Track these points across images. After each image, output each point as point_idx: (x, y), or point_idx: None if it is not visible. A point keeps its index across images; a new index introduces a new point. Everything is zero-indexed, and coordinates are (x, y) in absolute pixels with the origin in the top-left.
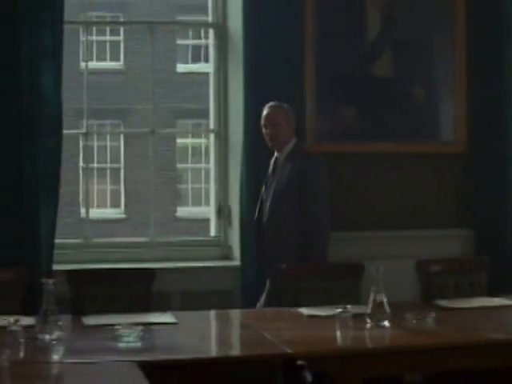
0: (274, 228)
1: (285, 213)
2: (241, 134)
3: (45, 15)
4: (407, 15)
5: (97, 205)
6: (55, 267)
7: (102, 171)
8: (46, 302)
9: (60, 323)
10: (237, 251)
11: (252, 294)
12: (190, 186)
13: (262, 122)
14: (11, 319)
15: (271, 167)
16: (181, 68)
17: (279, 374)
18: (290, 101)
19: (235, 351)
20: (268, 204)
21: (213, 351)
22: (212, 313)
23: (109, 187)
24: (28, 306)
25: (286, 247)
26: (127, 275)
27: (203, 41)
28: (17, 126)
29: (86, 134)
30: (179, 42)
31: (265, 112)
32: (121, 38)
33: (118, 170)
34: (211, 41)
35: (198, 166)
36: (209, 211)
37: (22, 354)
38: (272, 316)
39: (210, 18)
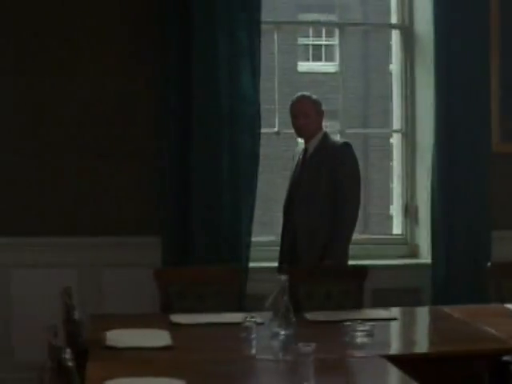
0: (305, 222)
1: (315, 207)
2: (428, 133)
3: (242, 16)
4: None
5: None
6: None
7: None
8: (281, 298)
9: (293, 319)
10: (424, 249)
11: (443, 292)
12: None
13: (292, 112)
14: (246, 315)
15: (299, 158)
16: (302, 67)
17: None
18: (476, 101)
19: (469, 345)
20: (299, 195)
21: (447, 345)
22: (425, 309)
23: None
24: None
25: (312, 244)
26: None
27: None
28: (216, 125)
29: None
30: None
31: (294, 103)
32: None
33: None
34: (394, 42)
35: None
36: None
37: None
38: (480, 312)
39: (394, 20)
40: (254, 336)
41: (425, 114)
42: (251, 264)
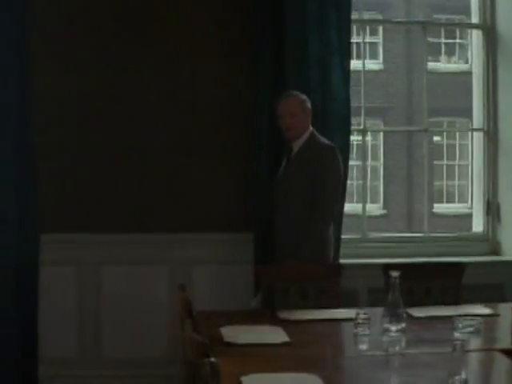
0: (286, 223)
1: (297, 206)
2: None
3: (332, 14)
4: None
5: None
6: None
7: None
8: (392, 294)
9: (404, 315)
10: (506, 246)
11: None
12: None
13: (278, 111)
14: (358, 311)
15: (286, 157)
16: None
17: None
18: None
19: None
20: (282, 194)
21: None
22: None
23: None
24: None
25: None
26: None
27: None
28: None
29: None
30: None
31: (280, 101)
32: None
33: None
34: (475, 41)
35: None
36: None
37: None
38: None
39: (475, 19)
40: (367, 332)
41: (508, 113)
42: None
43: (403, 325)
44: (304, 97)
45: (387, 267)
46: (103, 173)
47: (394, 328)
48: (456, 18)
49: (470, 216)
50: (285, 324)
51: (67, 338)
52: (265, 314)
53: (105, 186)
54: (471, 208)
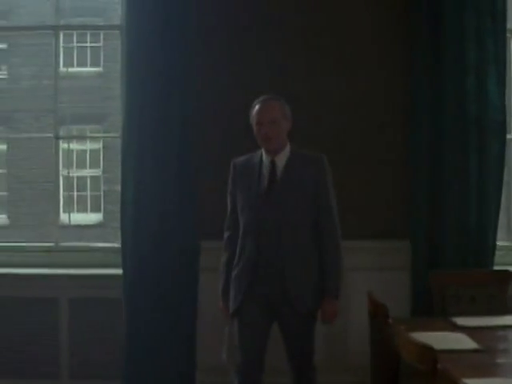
0: (294, 247)
1: (299, 229)
2: None
3: (489, 23)
4: None
5: None
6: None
7: None
8: None
9: None
10: None
11: None
12: None
13: (255, 119)
14: None
15: (266, 172)
16: None
17: None
18: None
19: None
20: (276, 219)
21: None
22: None
23: None
24: None
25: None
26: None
27: None
28: (464, 131)
29: None
30: None
31: (258, 107)
32: None
33: None
34: None
35: None
36: None
37: None
38: None
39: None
40: None
41: None
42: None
43: None
44: (283, 101)
45: None
46: None
47: None
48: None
49: None
50: (467, 331)
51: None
52: (438, 320)
53: None
54: None
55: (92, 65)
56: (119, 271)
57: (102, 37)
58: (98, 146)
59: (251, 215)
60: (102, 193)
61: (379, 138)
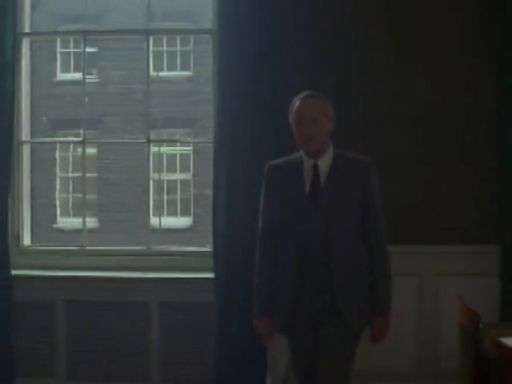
0: (340, 252)
1: (349, 234)
2: None
3: None
4: None
5: None
6: None
7: None
8: None
9: None
10: None
11: None
12: None
13: (294, 118)
14: None
15: (308, 177)
16: None
17: None
18: None
19: None
20: (324, 222)
21: None
22: None
23: None
24: None
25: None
26: None
27: None
28: None
29: None
30: None
31: (298, 105)
32: None
33: None
34: None
35: None
36: None
37: None
38: None
39: None
40: None
41: None
42: None
43: None
44: (326, 98)
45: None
46: None
47: None
48: None
49: None
50: None
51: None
52: None
53: None
54: None
55: (182, 69)
56: (210, 275)
57: (191, 41)
58: (188, 149)
59: (293, 224)
60: (192, 196)
61: (466, 139)
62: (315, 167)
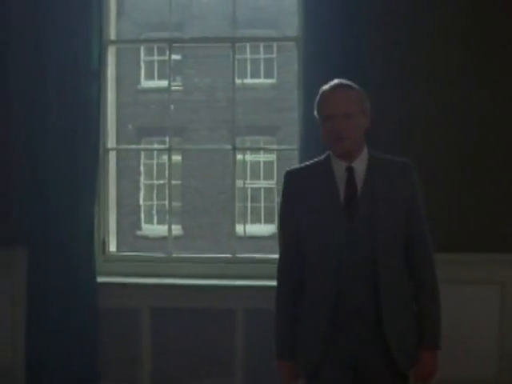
0: (387, 276)
1: (394, 252)
2: None
3: None
4: None
5: None
6: None
7: None
8: None
9: None
10: None
11: None
12: None
13: (323, 111)
14: None
15: (341, 184)
16: None
17: None
18: None
19: None
20: (364, 237)
21: None
22: None
23: None
24: None
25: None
26: None
27: None
28: None
29: None
30: None
31: (328, 95)
32: None
33: None
34: None
35: None
36: None
37: None
38: None
39: None
40: None
41: None
42: None
43: None
44: (360, 89)
45: None
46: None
47: None
48: None
49: None
50: None
51: None
52: None
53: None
54: None
55: (265, 76)
56: None
57: (275, 48)
58: (272, 157)
59: (326, 239)
60: (275, 204)
61: None
62: (349, 170)
